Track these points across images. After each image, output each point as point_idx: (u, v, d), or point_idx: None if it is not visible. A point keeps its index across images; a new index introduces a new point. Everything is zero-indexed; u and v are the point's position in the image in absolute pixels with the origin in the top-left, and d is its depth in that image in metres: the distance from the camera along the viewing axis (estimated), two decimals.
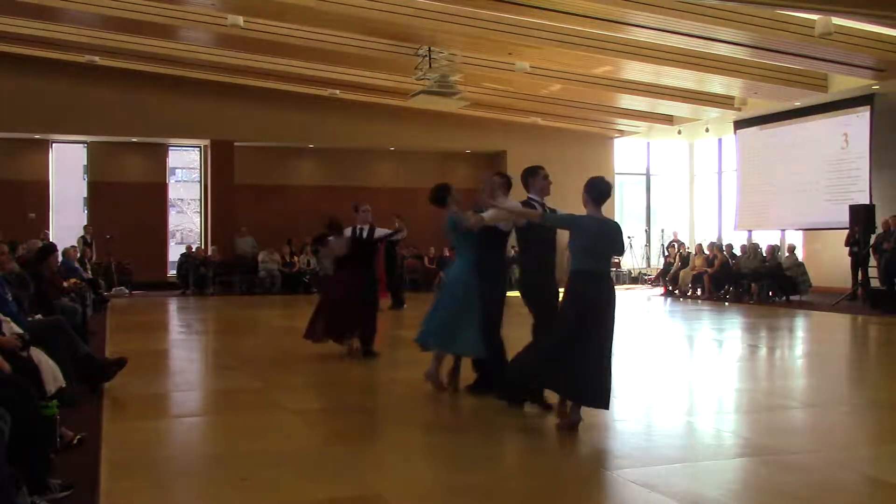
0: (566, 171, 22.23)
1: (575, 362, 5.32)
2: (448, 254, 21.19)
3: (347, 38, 14.65)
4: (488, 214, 6.25)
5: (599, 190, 5.56)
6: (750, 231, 20.25)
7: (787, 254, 17.41)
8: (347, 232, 8.95)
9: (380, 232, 9.04)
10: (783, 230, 19.52)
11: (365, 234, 8.91)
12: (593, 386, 5.35)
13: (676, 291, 18.86)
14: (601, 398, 5.38)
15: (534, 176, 6.32)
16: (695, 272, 18.55)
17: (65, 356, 6.29)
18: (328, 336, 8.78)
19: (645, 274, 22.64)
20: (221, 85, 19.07)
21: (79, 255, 15.92)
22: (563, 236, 6.03)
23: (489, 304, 6.44)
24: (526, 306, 6.29)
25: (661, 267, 20.83)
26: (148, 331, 12.34)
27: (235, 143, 20.42)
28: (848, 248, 15.95)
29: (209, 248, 20.03)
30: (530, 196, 6.30)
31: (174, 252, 21.42)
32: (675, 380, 8.13)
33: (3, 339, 5.05)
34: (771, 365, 9.41)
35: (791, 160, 18.74)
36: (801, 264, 17.02)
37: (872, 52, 13.49)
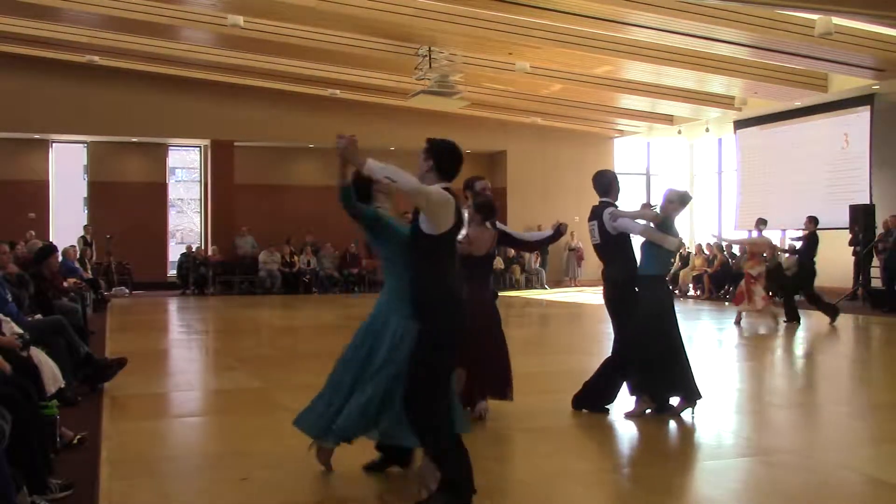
0: (566, 171, 22.48)
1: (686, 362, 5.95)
2: None
3: (347, 38, 14.65)
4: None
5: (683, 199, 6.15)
6: (750, 231, 20.23)
7: (787, 254, 17.38)
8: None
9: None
10: (783, 230, 19.51)
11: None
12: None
13: (677, 291, 18.86)
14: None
15: (617, 181, 6.17)
16: (695, 272, 18.55)
17: (65, 356, 6.30)
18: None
19: None
20: (221, 85, 19.07)
21: (78, 254, 15.92)
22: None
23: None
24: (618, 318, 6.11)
25: None
26: (148, 331, 12.34)
27: (235, 143, 20.42)
28: (852, 248, 15.95)
29: (209, 248, 20.03)
30: (607, 200, 6.07)
31: (174, 252, 21.43)
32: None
33: (3, 339, 5.05)
34: (771, 365, 9.41)
35: (791, 160, 18.73)
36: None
37: (872, 52, 13.49)
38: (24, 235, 14.71)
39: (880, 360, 10.08)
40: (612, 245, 6.01)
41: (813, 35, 12.40)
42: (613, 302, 6.10)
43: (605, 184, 6.10)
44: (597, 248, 6.16)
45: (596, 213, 6.05)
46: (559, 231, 6.12)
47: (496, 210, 5.90)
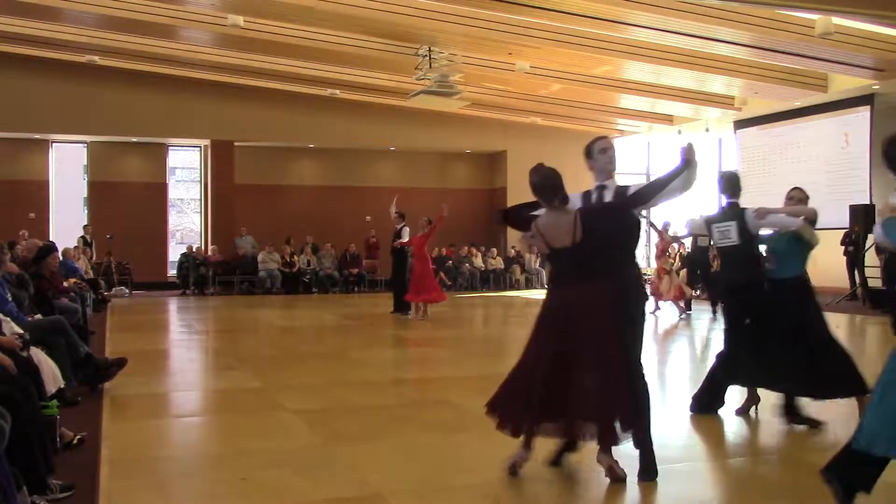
0: (566, 170, 22.45)
1: None
2: (446, 252, 21.15)
3: (347, 38, 14.67)
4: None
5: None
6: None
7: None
8: (576, 199, 4.69)
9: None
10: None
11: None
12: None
13: None
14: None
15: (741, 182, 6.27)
16: None
17: (65, 356, 6.30)
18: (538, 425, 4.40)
19: (645, 274, 22.66)
20: (221, 85, 19.08)
21: (80, 254, 15.93)
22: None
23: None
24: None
25: None
26: (148, 331, 12.35)
27: (235, 143, 20.44)
28: (843, 248, 15.97)
29: (209, 248, 20.04)
30: (737, 201, 6.05)
31: (174, 252, 21.44)
32: (675, 379, 8.14)
33: (3, 338, 5.05)
34: None
35: (791, 160, 18.74)
36: None
37: (872, 52, 13.49)
38: (26, 235, 14.71)
39: (880, 360, 10.06)
40: (749, 246, 5.87)
41: (813, 35, 12.41)
42: (739, 304, 5.94)
43: (733, 185, 6.00)
44: (731, 249, 5.94)
45: (734, 214, 5.88)
46: (688, 158, 4.59)
47: (559, 188, 4.49)
